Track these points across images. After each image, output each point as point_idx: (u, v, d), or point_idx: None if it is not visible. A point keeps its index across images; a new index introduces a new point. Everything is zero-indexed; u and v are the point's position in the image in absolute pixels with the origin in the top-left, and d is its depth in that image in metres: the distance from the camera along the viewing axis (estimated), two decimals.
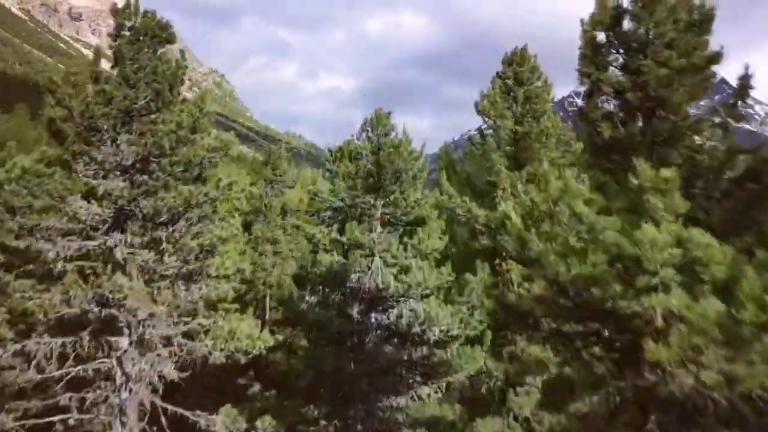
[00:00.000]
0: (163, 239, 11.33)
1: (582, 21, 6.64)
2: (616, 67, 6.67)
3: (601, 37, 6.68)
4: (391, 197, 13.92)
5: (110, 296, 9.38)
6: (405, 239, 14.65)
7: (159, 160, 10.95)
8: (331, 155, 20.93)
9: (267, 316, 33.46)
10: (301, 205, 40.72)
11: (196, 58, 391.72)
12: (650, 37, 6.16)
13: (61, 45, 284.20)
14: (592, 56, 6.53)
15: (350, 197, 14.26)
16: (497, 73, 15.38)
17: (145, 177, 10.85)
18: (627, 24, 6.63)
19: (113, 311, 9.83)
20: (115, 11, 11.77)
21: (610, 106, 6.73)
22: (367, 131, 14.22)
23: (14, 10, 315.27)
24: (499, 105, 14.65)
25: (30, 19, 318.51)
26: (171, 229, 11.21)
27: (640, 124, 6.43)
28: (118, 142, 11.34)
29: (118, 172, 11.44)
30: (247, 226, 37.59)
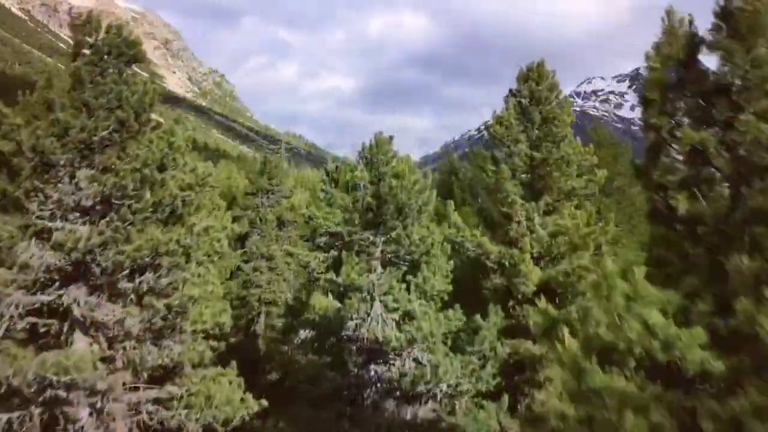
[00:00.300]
0: (130, 291, 9.76)
1: (647, 55, 5.04)
2: (689, 117, 5.06)
3: (671, 75, 5.07)
4: (393, 234, 12.32)
5: (54, 378, 7.81)
6: (408, 277, 13.07)
7: (122, 202, 9.36)
8: (327, 176, 19.38)
9: (261, 334, 31.94)
10: (297, 217, 39.13)
11: (197, 58, 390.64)
12: (745, 79, 4.54)
13: (61, 45, 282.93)
14: (661, 102, 4.92)
15: (347, 233, 12.66)
16: (511, 91, 13.76)
17: (105, 224, 9.25)
18: (705, 58, 5.03)
19: (60, 393, 8.25)
20: (73, 26, 10.18)
21: (682, 166, 5.12)
22: (366, 158, 12.61)
23: (14, 10, 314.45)
24: (514, 128, 13.04)
25: (30, 19, 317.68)
26: (138, 281, 9.62)
27: (725, 193, 4.82)
28: (77, 179, 9.77)
29: (77, 213, 9.87)
30: (242, 240, 36.10)
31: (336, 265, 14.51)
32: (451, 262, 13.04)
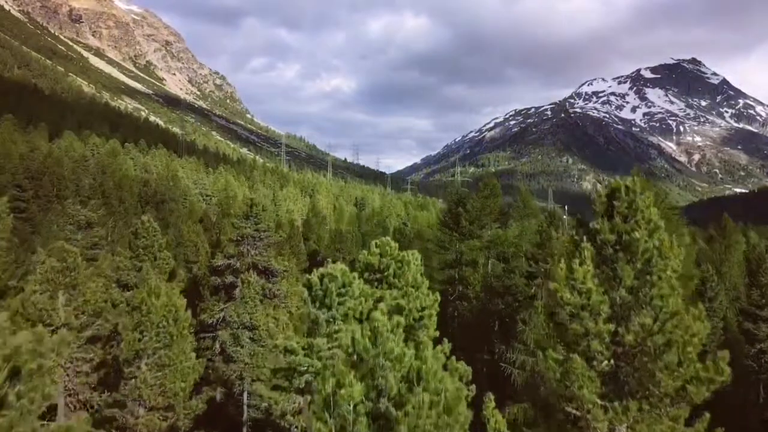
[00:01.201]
0: None
1: None
2: None
3: None
4: None
5: None
6: None
7: None
8: (310, 291, 14.49)
9: (245, 416, 27.22)
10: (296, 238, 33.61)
11: (197, 59, 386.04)
12: None
13: (61, 47, 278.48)
14: None
15: None
16: (580, 223, 8.87)
17: None
18: None
19: None
20: None
21: None
22: (359, 356, 7.76)
23: (14, 12, 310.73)
24: (593, 295, 8.17)
25: (29, 21, 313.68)
26: None
27: None
28: None
29: None
30: (227, 290, 31.60)
31: None
32: None
